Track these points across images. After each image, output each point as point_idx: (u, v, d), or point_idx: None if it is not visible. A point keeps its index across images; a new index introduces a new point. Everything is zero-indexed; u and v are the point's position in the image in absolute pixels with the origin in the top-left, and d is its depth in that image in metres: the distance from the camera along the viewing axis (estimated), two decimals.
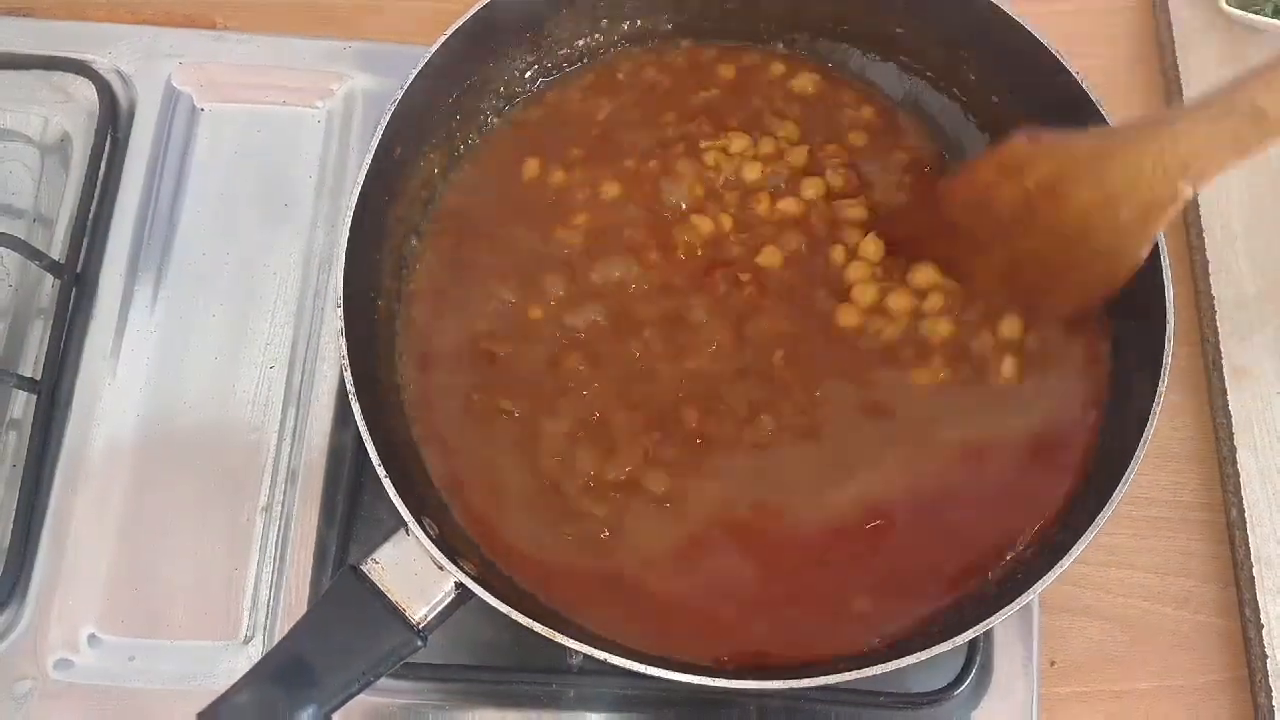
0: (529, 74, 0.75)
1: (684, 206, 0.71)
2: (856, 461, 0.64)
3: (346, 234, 0.62)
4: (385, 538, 0.57)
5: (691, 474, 0.64)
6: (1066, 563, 0.56)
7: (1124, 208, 0.56)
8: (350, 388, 0.59)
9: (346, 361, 0.60)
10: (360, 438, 0.58)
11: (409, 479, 0.60)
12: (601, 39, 0.76)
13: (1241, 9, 0.81)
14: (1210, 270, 0.78)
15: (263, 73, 0.81)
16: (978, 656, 0.67)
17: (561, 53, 0.75)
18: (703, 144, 0.72)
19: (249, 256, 0.77)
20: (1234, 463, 0.73)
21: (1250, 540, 0.71)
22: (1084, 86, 0.65)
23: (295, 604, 0.69)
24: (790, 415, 0.65)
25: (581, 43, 0.76)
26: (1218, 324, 0.76)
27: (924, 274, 0.67)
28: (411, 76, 0.66)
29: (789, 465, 0.64)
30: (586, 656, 0.55)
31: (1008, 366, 0.65)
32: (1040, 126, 0.60)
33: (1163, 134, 0.55)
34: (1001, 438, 0.65)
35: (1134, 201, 0.55)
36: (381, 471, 0.57)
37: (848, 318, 0.67)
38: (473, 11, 0.67)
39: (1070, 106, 0.65)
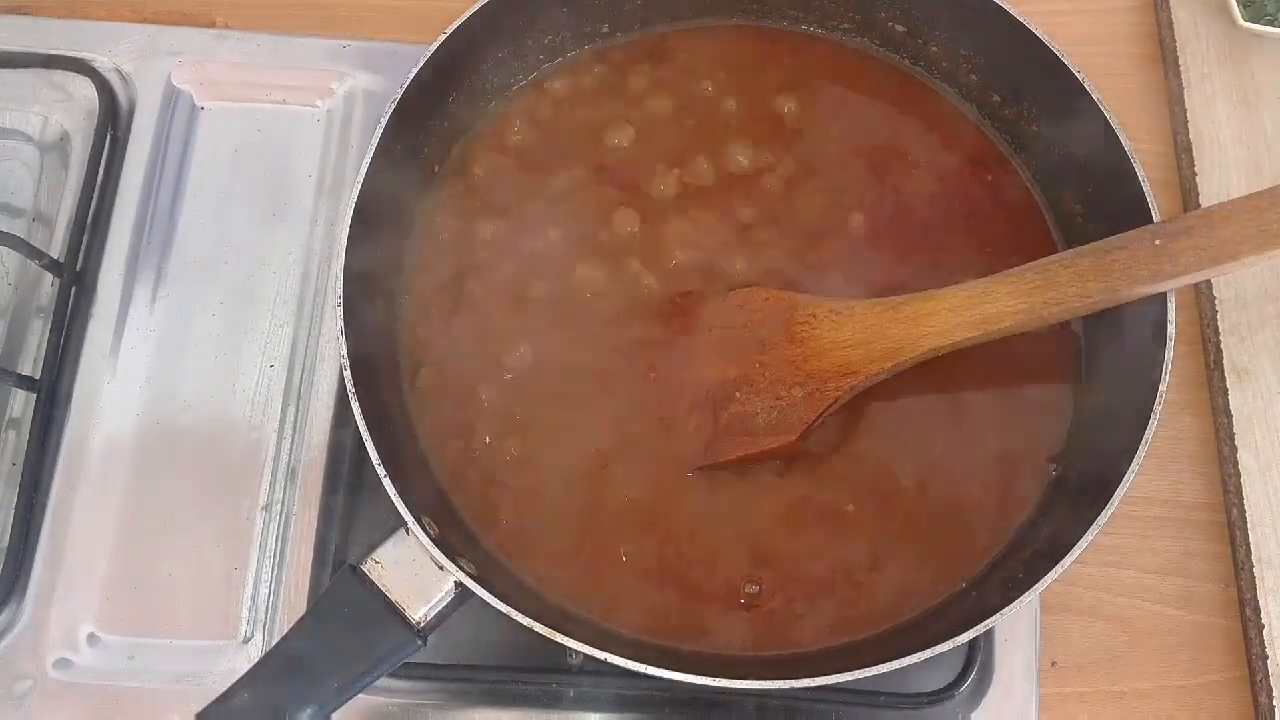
0: (529, 70, 0.75)
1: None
2: None
3: (346, 233, 0.62)
4: (385, 537, 0.57)
5: None
6: (1067, 562, 0.56)
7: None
8: (350, 387, 0.59)
9: (346, 361, 0.60)
10: (360, 437, 0.58)
11: (409, 478, 0.60)
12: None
13: (1253, 21, 0.81)
14: None
15: (263, 71, 0.81)
16: (978, 656, 0.67)
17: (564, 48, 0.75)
18: None
19: (249, 255, 0.77)
20: (1235, 463, 0.73)
21: (1251, 540, 0.70)
22: (1085, 84, 0.65)
23: (295, 603, 0.68)
24: None
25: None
26: (1218, 323, 0.76)
27: None
28: (412, 75, 0.66)
29: None
30: (586, 656, 0.55)
31: None
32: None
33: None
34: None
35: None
36: (381, 471, 0.57)
37: None
38: (473, 10, 0.67)
39: (1070, 104, 0.66)
